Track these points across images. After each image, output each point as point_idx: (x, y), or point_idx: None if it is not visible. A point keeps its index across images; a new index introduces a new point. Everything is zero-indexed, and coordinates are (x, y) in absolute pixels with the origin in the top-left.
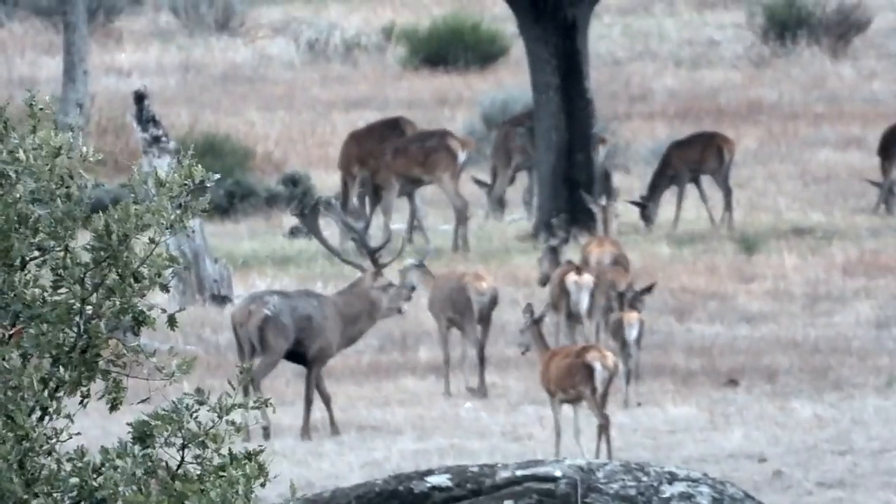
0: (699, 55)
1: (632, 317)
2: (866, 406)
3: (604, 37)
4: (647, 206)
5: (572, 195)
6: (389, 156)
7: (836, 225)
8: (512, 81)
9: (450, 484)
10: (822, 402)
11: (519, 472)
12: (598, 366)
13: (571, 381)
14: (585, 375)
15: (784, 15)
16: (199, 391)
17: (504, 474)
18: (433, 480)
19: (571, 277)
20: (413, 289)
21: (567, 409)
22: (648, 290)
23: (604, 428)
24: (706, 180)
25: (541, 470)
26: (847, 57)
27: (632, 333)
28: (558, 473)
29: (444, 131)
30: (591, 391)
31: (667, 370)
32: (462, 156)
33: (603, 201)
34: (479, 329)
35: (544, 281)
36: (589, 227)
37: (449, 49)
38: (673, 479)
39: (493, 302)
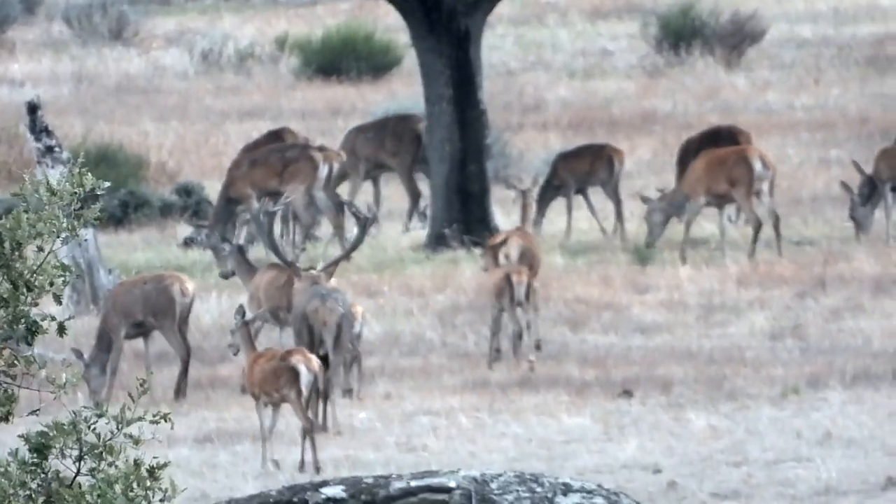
0: (592, 66)
1: (356, 311)
2: (761, 417)
3: (497, 47)
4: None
5: (466, 206)
6: (246, 167)
7: (730, 235)
8: (405, 92)
9: (344, 495)
10: (717, 413)
11: (413, 483)
12: (302, 369)
13: (276, 385)
14: (290, 379)
15: (678, 25)
16: (97, 404)
17: (398, 485)
18: (328, 492)
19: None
20: None
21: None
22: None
23: (308, 432)
24: (597, 191)
25: (435, 480)
26: (741, 67)
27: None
28: (452, 484)
29: (307, 143)
30: (296, 395)
31: (561, 381)
32: (324, 168)
33: (523, 186)
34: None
35: (226, 276)
36: (482, 237)
37: (342, 59)
38: (567, 490)
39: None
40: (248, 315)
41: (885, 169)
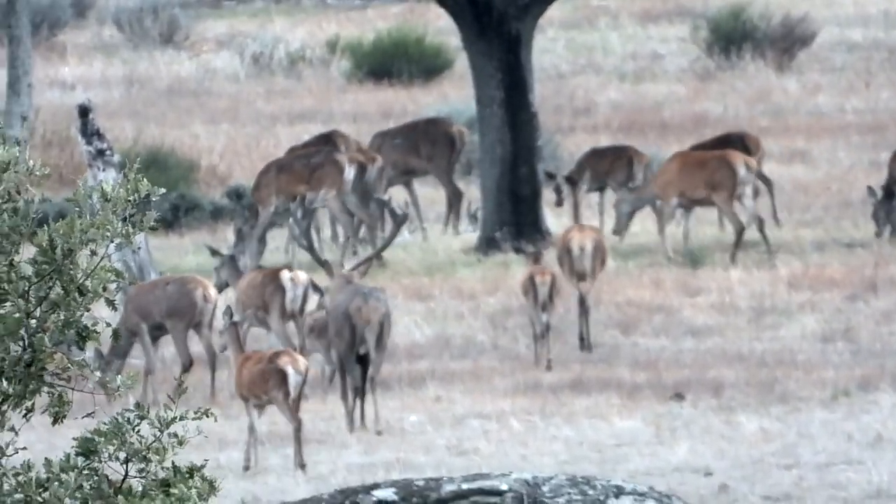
0: (643, 69)
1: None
2: (812, 419)
3: (548, 50)
4: (555, 178)
5: (517, 208)
6: (273, 173)
7: (782, 238)
8: (456, 95)
9: (396, 498)
10: (768, 416)
11: (465, 486)
12: (290, 370)
13: (264, 387)
14: (279, 380)
15: (729, 28)
16: (138, 406)
17: (450, 488)
18: (379, 494)
19: (286, 274)
20: None
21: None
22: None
23: (297, 432)
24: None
25: (486, 483)
26: (792, 71)
27: None
28: (504, 487)
29: (332, 149)
30: (283, 396)
31: (612, 384)
32: (350, 171)
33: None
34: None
35: (221, 288)
36: (534, 240)
37: (393, 62)
38: (619, 492)
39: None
40: (236, 317)
41: None
